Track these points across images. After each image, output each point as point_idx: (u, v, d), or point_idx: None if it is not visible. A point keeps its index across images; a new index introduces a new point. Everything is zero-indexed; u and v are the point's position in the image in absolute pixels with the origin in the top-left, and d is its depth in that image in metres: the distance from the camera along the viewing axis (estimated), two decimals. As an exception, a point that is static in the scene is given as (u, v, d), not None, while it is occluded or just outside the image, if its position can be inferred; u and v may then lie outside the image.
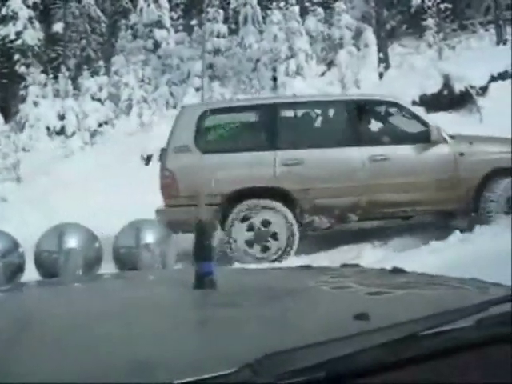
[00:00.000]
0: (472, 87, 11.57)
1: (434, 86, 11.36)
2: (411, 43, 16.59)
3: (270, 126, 6.89)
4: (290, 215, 6.66)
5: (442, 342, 0.89)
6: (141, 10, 15.87)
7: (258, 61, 13.91)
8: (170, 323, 1.23)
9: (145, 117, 13.00)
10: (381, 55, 13.95)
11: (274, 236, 6.65)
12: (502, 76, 12.44)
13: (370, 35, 14.38)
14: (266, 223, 6.65)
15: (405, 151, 6.84)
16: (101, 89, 14.43)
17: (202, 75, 13.08)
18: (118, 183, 9.84)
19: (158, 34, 15.48)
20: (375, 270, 1.85)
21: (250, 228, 6.65)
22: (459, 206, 6.79)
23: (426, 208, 6.79)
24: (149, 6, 15.63)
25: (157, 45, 15.52)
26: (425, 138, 6.81)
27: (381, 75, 13.55)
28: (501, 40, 14.86)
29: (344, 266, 2.01)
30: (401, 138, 6.99)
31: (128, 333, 1.18)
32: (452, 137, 6.94)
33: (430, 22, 15.25)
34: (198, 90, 13.39)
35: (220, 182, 6.44)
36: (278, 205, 6.65)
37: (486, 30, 16.64)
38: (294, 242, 6.67)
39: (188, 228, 6.74)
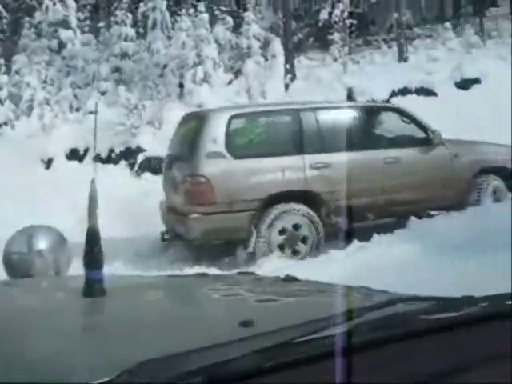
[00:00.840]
0: (374, 101, 11.96)
1: (338, 99, 11.64)
2: (317, 56, 16.96)
3: (295, 131, 7.07)
4: (316, 218, 6.84)
5: (315, 348, 0.93)
6: (46, 8, 15.38)
7: (165, 66, 13.78)
8: (58, 331, 1.22)
9: (46, 118, 12.60)
10: (287, 66, 14.14)
11: (304, 240, 6.79)
12: (402, 92, 13.00)
13: (277, 46, 14.55)
14: (296, 226, 6.79)
15: (412, 153, 7.44)
16: (0, 88, 13.89)
17: (98, 78, 12.89)
18: (16, 187, 9.50)
19: (64, 34, 15.03)
20: (269, 278, 1.89)
21: (282, 231, 6.75)
22: (455, 200, 7.37)
23: (429, 204, 7.27)
24: (55, 4, 15.18)
25: (62, 45, 15.07)
26: (427, 141, 7.49)
27: (287, 86, 13.74)
28: (402, 57, 15.47)
29: (240, 273, 2.04)
30: (407, 141, 7.54)
31: (14, 340, 1.15)
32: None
33: (336, 36, 15.61)
34: (103, 93, 13.13)
35: (254, 187, 6.63)
36: (306, 208, 6.82)
37: (389, 47, 17.28)
38: (321, 244, 6.82)
39: (227, 235, 6.74)
